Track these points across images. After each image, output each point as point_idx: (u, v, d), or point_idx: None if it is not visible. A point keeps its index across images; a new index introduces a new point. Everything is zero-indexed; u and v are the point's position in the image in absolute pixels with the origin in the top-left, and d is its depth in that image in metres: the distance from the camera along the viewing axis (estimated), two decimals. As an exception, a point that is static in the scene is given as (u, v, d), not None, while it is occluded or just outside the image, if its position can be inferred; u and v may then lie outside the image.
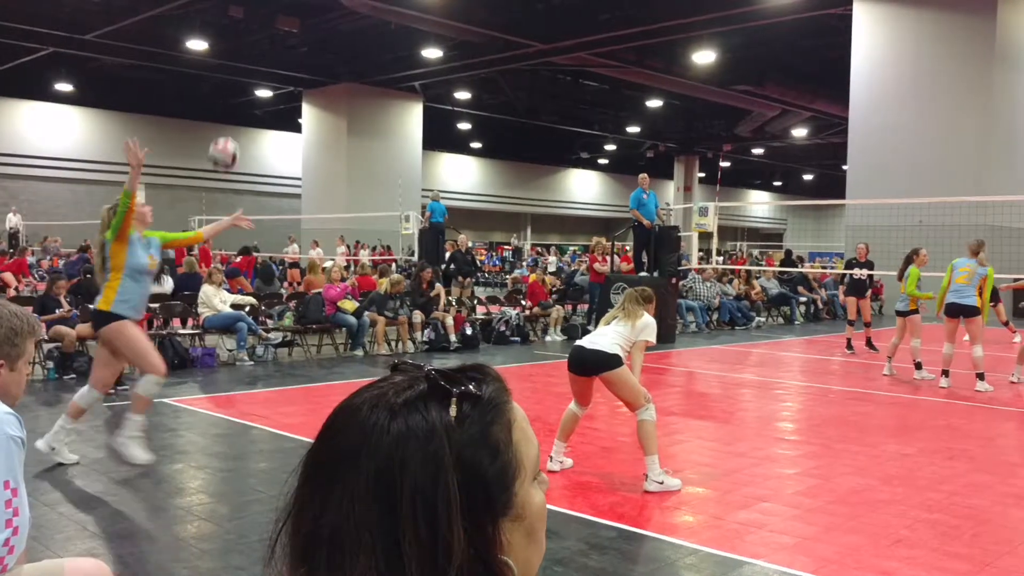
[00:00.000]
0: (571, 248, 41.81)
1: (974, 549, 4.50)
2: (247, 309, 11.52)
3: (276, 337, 11.50)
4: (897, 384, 10.29)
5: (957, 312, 9.77)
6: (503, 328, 13.64)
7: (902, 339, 10.90)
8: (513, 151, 43.12)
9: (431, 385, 0.79)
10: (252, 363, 10.93)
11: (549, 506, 4.18)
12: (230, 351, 11.02)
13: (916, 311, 10.63)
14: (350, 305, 11.95)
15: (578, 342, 5.81)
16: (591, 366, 5.58)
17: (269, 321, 11.90)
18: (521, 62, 25.00)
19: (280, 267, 19.59)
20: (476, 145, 42.30)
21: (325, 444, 0.79)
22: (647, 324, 5.71)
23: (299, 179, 32.95)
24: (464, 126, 37.15)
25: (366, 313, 12.04)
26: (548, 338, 14.27)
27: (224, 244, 24.18)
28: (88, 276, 14.03)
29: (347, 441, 0.77)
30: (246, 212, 7.07)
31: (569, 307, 16.01)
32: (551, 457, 5.83)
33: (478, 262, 19.82)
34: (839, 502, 5.30)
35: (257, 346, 11.26)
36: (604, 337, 5.60)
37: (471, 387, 0.80)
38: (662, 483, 5.41)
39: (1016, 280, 14.12)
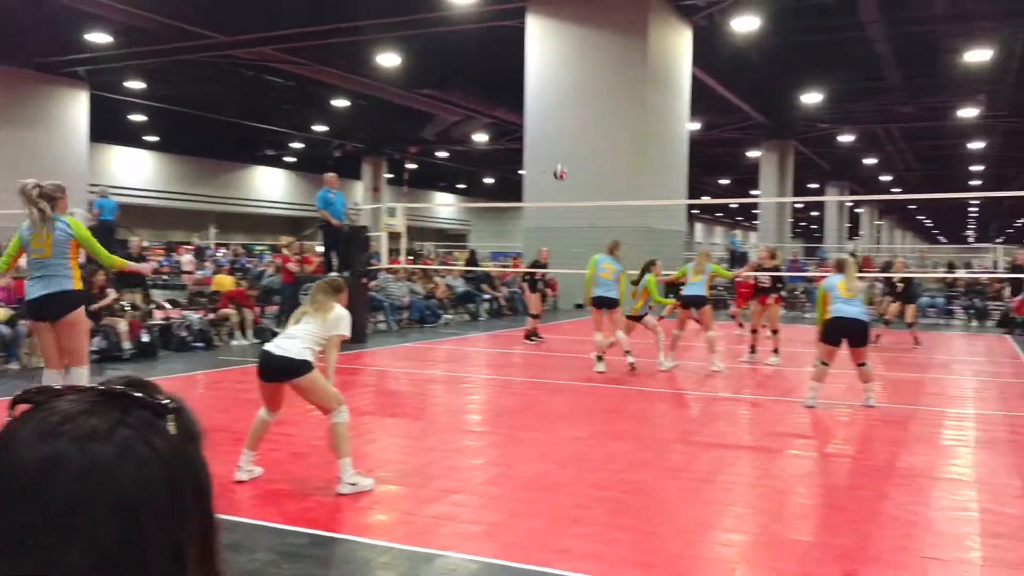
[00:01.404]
0: (258, 247, 40.38)
1: (639, 520, 4.99)
2: None
3: (-92, 353, 10.00)
4: (570, 372, 11.09)
5: (603, 304, 10.83)
6: (184, 334, 12.89)
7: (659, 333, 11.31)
8: (194, 146, 40.74)
9: (131, 403, 0.71)
10: None
11: (237, 518, 4.02)
12: None
13: (644, 316, 11.38)
14: (3, 313, 10.70)
15: (265, 346, 5.58)
16: (277, 372, 5.42)
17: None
18: (199, 53, 23.72)
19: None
20: (152, 139, 39.47)
21: (29, 500, 0.66)
22: (340, 317, 5.54)
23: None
24: (138, 118, 34.46)
25: (21, 321, 10.81)
26: (235, 342, 13.70)
27: None
28: None
29: (66, 488, 0.65)
30: None
31: (258, 309, 15.47)
32: (239, 467, 5.58)
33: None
34: (522, 488, 5.63)
35: None
36: (293, 341, 5.43)
37: (169, 400, 0.74)
38: (355, 484, 5.40)
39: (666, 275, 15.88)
